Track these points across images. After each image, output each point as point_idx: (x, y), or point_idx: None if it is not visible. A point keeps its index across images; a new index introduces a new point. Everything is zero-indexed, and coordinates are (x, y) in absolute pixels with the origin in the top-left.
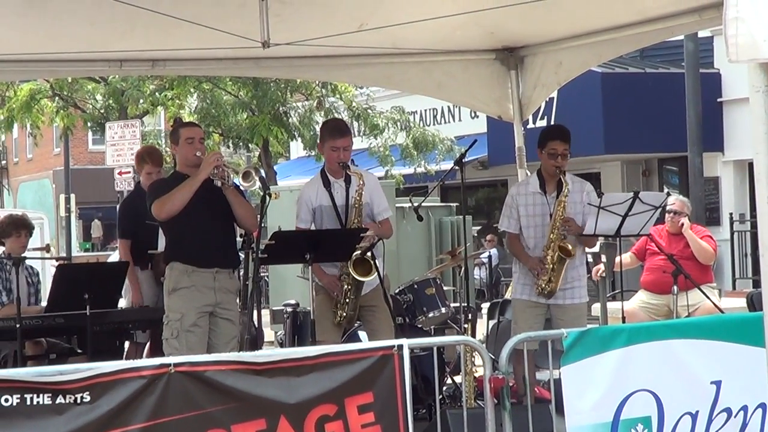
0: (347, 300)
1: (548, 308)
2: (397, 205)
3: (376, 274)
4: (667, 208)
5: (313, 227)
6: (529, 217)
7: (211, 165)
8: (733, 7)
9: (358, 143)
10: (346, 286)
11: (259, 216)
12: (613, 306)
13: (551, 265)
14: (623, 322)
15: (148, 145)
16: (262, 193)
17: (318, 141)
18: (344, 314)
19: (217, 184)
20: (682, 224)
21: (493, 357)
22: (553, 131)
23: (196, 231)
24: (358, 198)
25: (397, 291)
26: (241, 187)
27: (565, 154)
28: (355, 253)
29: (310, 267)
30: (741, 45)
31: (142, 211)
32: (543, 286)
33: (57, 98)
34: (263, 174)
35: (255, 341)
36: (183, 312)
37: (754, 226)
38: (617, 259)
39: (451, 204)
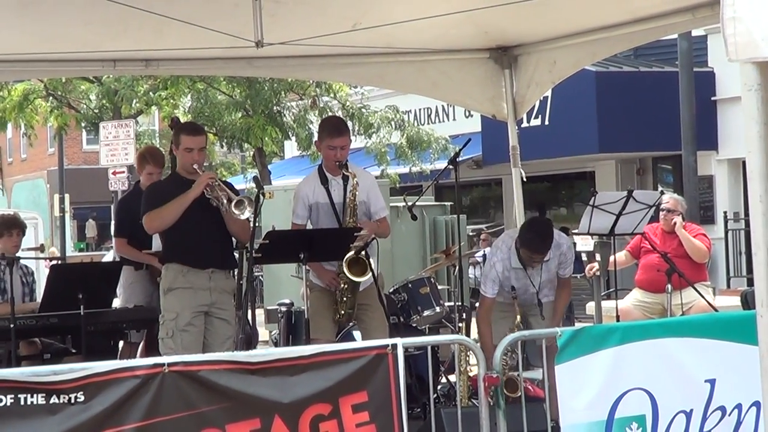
0: (345, 299)
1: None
2: (392, 204)
3: (370, 273)
4: (661, 206)
5: (309, 223)
6: (518, 290)
7: (202, 185)
8: (729, 7)
9: (355, 143)
10: (342, 285)
11: (252, 216)
12: (607, 305)
13: None
14: (617, 320)
15: (150, 145)
16: (255, 192)
17: (316, 139)
18: (343, 312)
19: (212, 203)
20: (675, 223)
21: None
22: (533, 245)
23: (193, 232)
24: (352, 198)
25: (391, 290)
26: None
27: (542, 258)
28: (349, 254)
29: (304, 266)
30: (740, 44)
31: (137, 212)
32: None
33: (51, 98)
34: (257, 173)
35: (249, 341)
36: (178, 311)
37: (748, 224)
38: (611, 258)
39: (446, 203)
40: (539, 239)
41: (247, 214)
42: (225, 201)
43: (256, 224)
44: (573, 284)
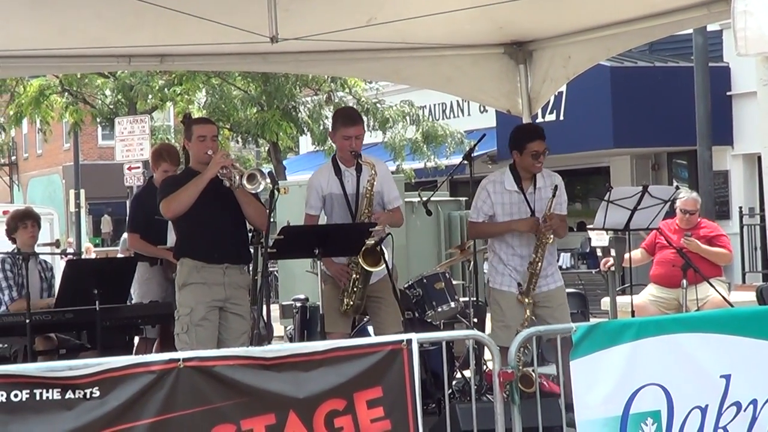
0: (355, 289)
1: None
2: (407, 199)
3: (384, 265)
4: (680, 207)
5: (322, 214)
6: (506, 216)
7: (218, 165)
8: (741, 1)
9: (370, 138)
10: (354, 275)
11: (267, 211)
12: (622, 300)
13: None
14: (632, 315)
15: (166, 142)
16: (270, 188)
17: (330, 129)
18: (351, 303)
19: (225, 185)
20: (692, 243)
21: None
22: (533, 132)
23: (207, 227)
24: (369, 188)
25: (406, 285)
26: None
27: (545, 152)
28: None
29: (319, 262)
30: (750, 38)
31: (152, 208)
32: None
33: (66, 94)
34: (272, 169)
35: (264, 336)
36: (192, 306)
37: (763, 219)
38: (626, 255)
39: (461, 198)
40: (534, 128)
41: (261, 187)
42: (237, 177)
43: (271, 220)
44: (588, 279)
